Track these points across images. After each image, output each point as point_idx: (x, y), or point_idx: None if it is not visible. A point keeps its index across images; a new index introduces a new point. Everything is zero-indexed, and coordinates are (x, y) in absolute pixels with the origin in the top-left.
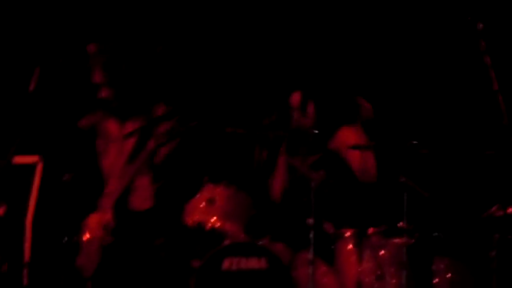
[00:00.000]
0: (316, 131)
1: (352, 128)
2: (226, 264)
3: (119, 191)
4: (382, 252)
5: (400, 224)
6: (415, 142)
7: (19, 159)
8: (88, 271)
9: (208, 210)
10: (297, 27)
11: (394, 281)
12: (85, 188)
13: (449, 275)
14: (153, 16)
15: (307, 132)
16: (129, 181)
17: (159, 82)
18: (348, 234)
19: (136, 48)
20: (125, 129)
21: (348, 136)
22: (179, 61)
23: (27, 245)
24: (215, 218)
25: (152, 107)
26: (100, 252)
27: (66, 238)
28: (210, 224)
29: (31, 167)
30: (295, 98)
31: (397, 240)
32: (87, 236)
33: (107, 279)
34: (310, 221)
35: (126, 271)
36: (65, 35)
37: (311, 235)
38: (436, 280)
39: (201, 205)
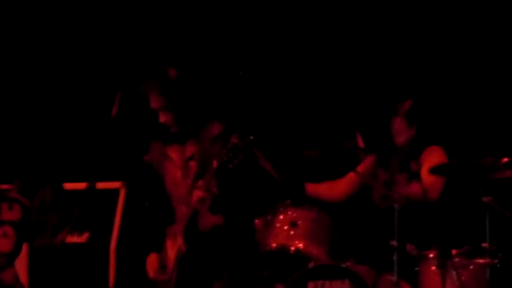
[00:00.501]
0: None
1: (438, 148)
2: (310, 287)
3: (188, 215)
4: (466, 273)
5: (483, 244)
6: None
7: (103, 185)
8: None
9: (291, 233)
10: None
11: None
12: (161, 213)
13: None
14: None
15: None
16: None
17: (218, 102)
18: (431, 255)
19: (199, 70)
20: (186, 152)
21: (433, 156)
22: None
23: (112, 271)
24: (298, 241)
25: (206, 126)
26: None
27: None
28: (293, 247)
29: (115, 193)
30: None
31: (480, 261)
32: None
33: None
34: (394, 242)
35: None
36: (145, 59)
37: (395, 257)
38: None
39: (284, 228)
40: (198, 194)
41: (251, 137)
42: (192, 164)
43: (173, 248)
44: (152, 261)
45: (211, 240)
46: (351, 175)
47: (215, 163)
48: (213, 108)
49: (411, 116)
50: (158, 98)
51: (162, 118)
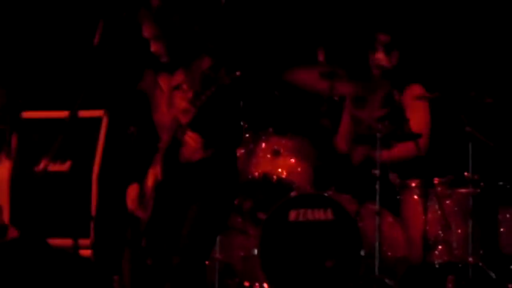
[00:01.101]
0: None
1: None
2: (292, 215)
3: (167, 143)
4: (448, 202)
5: (466, 174)
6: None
7: (85, 113)
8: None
9: (273, 162)
10: None
11: (459, 231)
12: (147, 141)
13: None
14: None
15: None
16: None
17: (208, 34)
18: (413, 184)
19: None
20: (173, 81)
21: (417, 91)
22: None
23: (93, 199)
24: (280, 169)
25: (196, 59)
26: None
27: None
28: (276, 176)
29: (97, 121)
30: (384, 37)
31: (462, 190)
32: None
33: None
34: (376, 171)
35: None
36: None
37: (377, 186)
38: (502, 229)
39: (267, 157)
40: (180, 104)
41: (238, 73)
42: (178, 94)
43: (151, 177)
44: (131, 191)
45: (190, 169)
46: None
47: (189, 93)
48: (206, 41)
49: (389, 47)
50: (150, 27)
51: (154, 47)
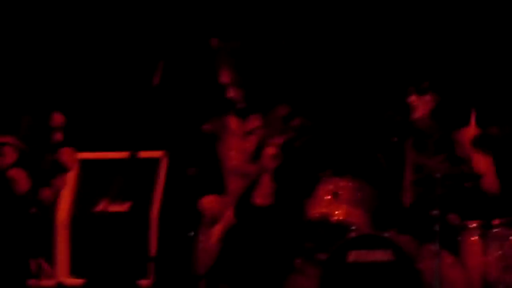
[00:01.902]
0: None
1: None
2: (351, 256)
3: (242, 189)
4: (508, 243)
5: None
6: None
7: (144, 154)
8: (203, 268)
9: (333, 203)
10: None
11: None
12: (209, 183)
13: None
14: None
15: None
16: (252, 179)
17: (283, 80)
18: (473, 225)
19: (264, 46)
20: (246, 126)
21: (472, 132)
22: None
23: (153, 240)
24: (340, 210)
25: (274, 107)
26: (218, 247)
27: (192, 233)
28: (335, 217)
29: (156, 162)
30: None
31: None
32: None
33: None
34: (435, 212)
35: (244, 268)
36: (190, 29)
37: (437, 227)
38: None
39: (326, 198)
40: (270, 150)
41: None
42: (252, 138)
43: (223, 221)
44: (210, 201)
45: (261, 214)
46: None
47: (280, 139)
48: (282, 89)
49: (422, 91)
50: (230, 72)
51: (231, 93)
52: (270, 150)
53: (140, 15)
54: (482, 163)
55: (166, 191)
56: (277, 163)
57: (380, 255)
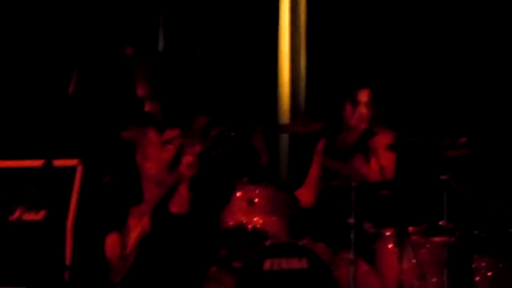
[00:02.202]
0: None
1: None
2: (267, 264)
3: (159, 198)
4: (423, 251)
5: (441, 222)
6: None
7: (59, 162)
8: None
9: (248, 210)
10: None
11: (435, 280)
12: (124, 191)
13: (490, 273)
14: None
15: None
16: (168, 188)
17: (200, 91)
18: (388, 233)
19: (177, 57)
20: (164, 136)
21: (387, 138)
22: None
23: (68, 249)
24: (256, 218)
25: (193, 117)
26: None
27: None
28: (251, 225)
29: (71, 170)
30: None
31: (437, 239)
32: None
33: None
34: (351, 220)
35: (159, 276)
36: (104, 37)
37: (352, 235)
38: (477, 278)
39: (242, 206)
40: (188, 159)
41: (232, 134)
42: (169, 148)
43: (136, 228)
44: (111, 240)
45: (177, 222)
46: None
47: (198, 148)
48: (199, 100)
49: (369, 103)
50: (145, 86)
51: (148, 107)
52: (187, 159)
53: (56, 22)
54: (390, 169)
55: (82, 199)
56: (194, 171)
57: (296, 263)
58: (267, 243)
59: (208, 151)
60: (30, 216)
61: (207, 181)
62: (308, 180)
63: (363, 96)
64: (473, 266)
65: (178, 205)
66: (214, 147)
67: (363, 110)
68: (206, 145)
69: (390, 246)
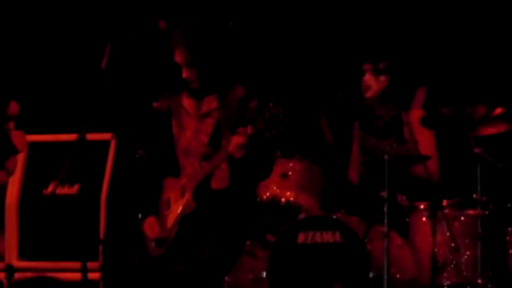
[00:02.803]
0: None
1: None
2: (301, 238)
3: (203, 174)
4: (456, 224)
5: (474, 195)
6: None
7: (93, 136)
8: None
9: (282, 184)
10: None
11: (468, 252)
12: (159, 165)
13: None
14: None
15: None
16: (214, 165)
17: (237, 60)
18: (422, 206)
19: (216, 26)
20: (202, 108)
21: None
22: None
23: (102, 223)
24: (289, 192)
25: (230, 88)
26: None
27: (140, 215)
28: (284, 199)
29: (105, 144)
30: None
31: (471, 212)
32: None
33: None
34: (384, 194)
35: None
36: (136, 12)
37: (385, 208)
38: (511, 251)
39: (275, 179)
40: (239, 140)
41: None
42: (208, 121)
43: (177, 202)
44: (149, 222)
45: (217, 197)
46: None
47: (249, 129)
48: (237, 70)
49: (377, 71)
50: (183, 53)
51: (186, 74)
52: (238, 140)
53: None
54: (427, 146)
55: (115, 173)
56: (244, 153)
57: (330, 237)
58: (301, 216)
59: (261, 133)
60: (64, 190)
61: (250, 158)
62: (352, 160)
63: (366, 64)
64: (506, 238)
65: (219, 180)
66: (268, 129)
67: (366, 77)
68: (258, 127)
69: (423, 219)
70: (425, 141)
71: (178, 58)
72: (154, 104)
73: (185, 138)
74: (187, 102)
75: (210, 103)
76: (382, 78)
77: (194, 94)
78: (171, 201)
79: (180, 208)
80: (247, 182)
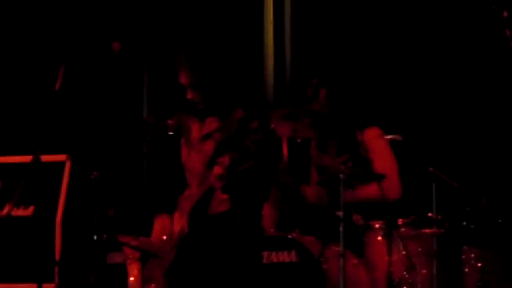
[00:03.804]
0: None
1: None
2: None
3: (199, 196)
4: (412, 243)
5: (429, 214)
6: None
7: (47, 158)
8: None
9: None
10: None
11: (424, 271)
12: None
13: (479, 264)
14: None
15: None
16: (205, 190)
17: (238, 83)
18: (377, 225)
19: (218, 47)
20: (204, 129)
21: (375, 132)
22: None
23: (57, 244)
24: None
25: (230, 111)
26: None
27: (95, 237)
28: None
29: (60, 166)
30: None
31: (427, 231)
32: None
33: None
34: (340, 213)
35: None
36: (91, 32)
37: (341, 228)
38: (466, 269)
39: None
40: (217, 170)
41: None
42: (210, 142)
43: (177, 225)
44: (160, 222)
45: (216, 221)
46: None
47: (226, 160)
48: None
49: (317, 88)
50: (188, 74)
51: (190, 95)
52: (216, 170)
53: (44, 17)
54: (384, 164)
55: (70, 194)
56: (223, 183)
57: (285, 256)
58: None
59: (237, 164)
60: (19, 212)
61: (242, 184)
62: (312, 179)
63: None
64: (462, 257)
65: (218, 204)
66: (242, 161)
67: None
68: (234, 158)
69: (379, 238)
70: (382, 160)
71: (183, 80)
72: (167, 121)
73: (191, 158)
74: (193, 122)
75: (211, 124)
76: (322, 92)
77: (198, 115)
78: (175, 220)
79: (177, 231)
80: (248, 206)
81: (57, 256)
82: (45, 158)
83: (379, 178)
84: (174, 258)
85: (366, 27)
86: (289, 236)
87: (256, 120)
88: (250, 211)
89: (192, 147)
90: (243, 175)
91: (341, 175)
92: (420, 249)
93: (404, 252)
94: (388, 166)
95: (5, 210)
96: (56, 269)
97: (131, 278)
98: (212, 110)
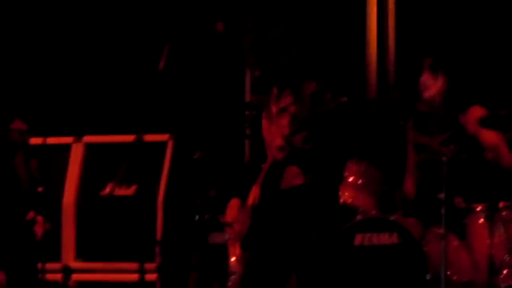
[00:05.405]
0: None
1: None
2: (358, 239)
3: (267, 166)
4: None
5: None
6: None
7: (150, 138)
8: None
9: (340, 185)
10: None
11: None
12: (216, 165)
13: None
14: None
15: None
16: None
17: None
18: (479, 208)
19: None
20: (280, 103)
21: (478, 113)
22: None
23: (159, 224)
24: (346, 193)
25: (302, 84)
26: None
27: (197, 217)
28: (342, 200)
29: (162, 145)
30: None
31: None
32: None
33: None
34: (442, 195)
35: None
36: (195, 13)
37: (443, 210)
38: None
39: None
40: (278, 142)
41: (344, 99)
42: (285, 115)
43: (252, 196)
44: (233, 205)
45: (288, 195)
46: None
47: (286, 130)
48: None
49: (436, 68)
50: (249, 55)
51: (257, 73)
52: (276, 141)
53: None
54: (491, 138)
55: (172, 174)
56: (285, 154)
57: (386, 238)
58: (358, 217)
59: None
60: (121, 191)
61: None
62: (408, 169)
63: (424, 63)
64: None
65: (292, 177)
66: (299, 129)
67: (424, 77)
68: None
69: (480, 221)
70: (488, 135)
71: (250, 60)
72: (251, 100)
73: (268, 133)
74: (271, 97)
75: (286, 97)
76: (440, 78)
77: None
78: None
79: (251, 200)
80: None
81: (159, 235)
82: (148, 137)
83: (483, 161)
84: (249, 229)
85: (468, 19)
86: (391, 218)
87: (330, 92)
88: (323, 187)
89: (271, 121)
90: (308, 152)
91: (443, 158)
92: None
93: (505, 235)
94: (495, 139)
95: (108, 189)
96: (158, 249)
97: (233, 259)
98: (283, 85)
